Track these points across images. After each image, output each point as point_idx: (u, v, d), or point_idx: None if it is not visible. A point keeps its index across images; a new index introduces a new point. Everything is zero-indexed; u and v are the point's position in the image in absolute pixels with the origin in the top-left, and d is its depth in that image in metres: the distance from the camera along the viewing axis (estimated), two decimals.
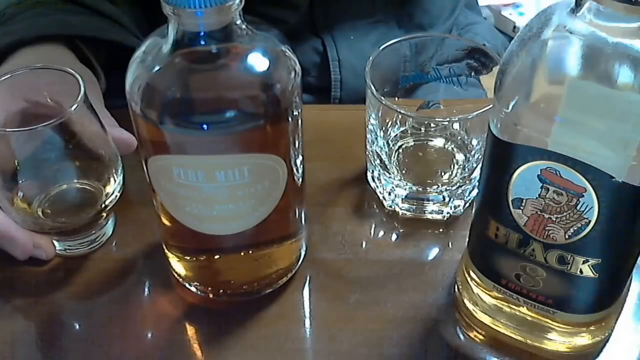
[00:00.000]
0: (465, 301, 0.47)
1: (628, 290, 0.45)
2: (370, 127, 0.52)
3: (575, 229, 0.38)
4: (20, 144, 0.46)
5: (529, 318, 0.44)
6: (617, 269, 0.40)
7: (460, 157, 0.54)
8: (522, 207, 0.39)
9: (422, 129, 0.55)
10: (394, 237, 0.53)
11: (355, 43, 0.73)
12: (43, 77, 0.49)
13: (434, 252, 0.52)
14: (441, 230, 0.53)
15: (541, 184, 0.37)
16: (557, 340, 0.44)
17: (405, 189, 0.53)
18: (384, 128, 0.53)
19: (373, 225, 0.54)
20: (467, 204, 0.54)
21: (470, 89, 0.55)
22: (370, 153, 0.53)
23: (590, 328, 0.43)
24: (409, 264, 0.51)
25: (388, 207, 0.55)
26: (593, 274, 0.39)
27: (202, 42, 0.38)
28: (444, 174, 0.54)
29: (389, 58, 0.53)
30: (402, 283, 0.49)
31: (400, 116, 0.52)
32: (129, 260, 0.51)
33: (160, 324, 0.48)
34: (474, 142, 0.52)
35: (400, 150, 0.55)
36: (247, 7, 0.38)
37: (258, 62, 0.40)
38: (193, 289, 0.49)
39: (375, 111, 0.51)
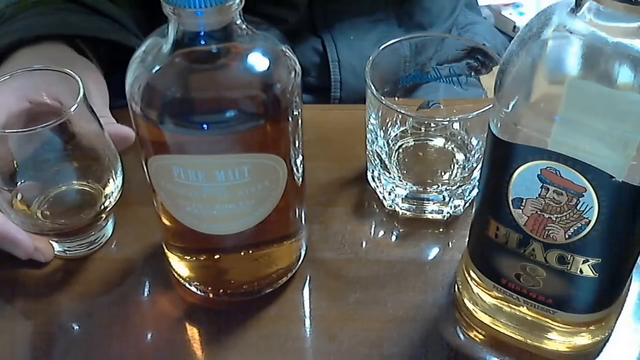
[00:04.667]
0: (465, 301, 0.47)
1: (628, 290, 0.45)
2: (370, 127, 0.52)
3: (575, 228, 0.38)
4: (19, 145, 0.46)
5: (529, 318, 0.44)
6: (617, 269, 0.40)
7: (460, 157, 0.54)
8: (522, 207, 0.39)
9: (422, 128, 0.55)
10: (394, 237, 0.53)
11: (355, 43, 0.73)
12: (45, 77, 0.49)
13: (434, 252, 0.52)
14: (441, 230, 0.53)
15: (541, 184, 0.37)
16: (557, 340, 0.44)
17: (405, 189, 0.53)
18: (384, 128, 0.53)
19: (373, 225, 0.54)
20: (467, 204, 0.54)
21: (470, 88, 0.55)
22: (370, 153, 0.53)
23: (590, 328, 0.43)
24: (409, 264, 0.51)
25: (388, 207, 0.55)
26: (593, 273, 0.39)
27: (202, 42, 0.38)
28: (444, 173, 0.54)
29: (389, 58, 0.53)
30: (402, 283, 0.49)
31: (400, 116, 0.52)
32: (129, 261, 0.51)
33: (160, 324, 0.48)
34: (474, 142, 0.52)
35: (400, 150, 0.55)
36: (247, 7, 0.38)
37: (258, 62, 0.40)
38: (193, 288, 0.49)
39: (375, 111, 0.51)
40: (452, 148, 0.55)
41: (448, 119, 0.55)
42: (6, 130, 0.45)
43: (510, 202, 0.39)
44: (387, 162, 0.53)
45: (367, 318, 0.47)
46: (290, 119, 0.41)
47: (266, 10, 0.67)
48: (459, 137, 0.55)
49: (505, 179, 0.38)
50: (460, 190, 0.52)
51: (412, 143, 0.56)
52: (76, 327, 0.48)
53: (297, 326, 0.48)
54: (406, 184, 0.52)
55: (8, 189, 0.47)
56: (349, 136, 0.59)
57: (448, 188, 0.52)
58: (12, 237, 0.48)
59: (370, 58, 0.51)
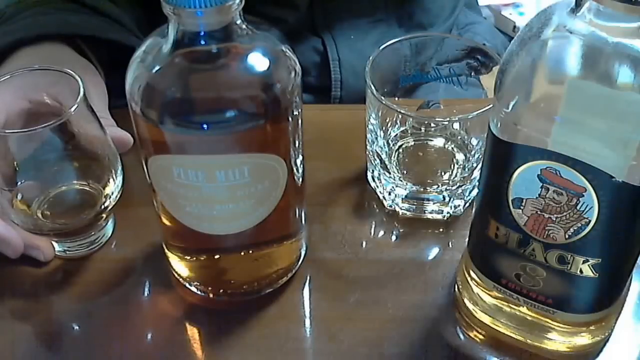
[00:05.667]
0: (465, 301, 0.47)
1: (628, 290, 0.45)
2: (370, 127, 0.52)
3: (575, 228, 0.38)
4: (19, 145, 0.46)
5: (529, 318, 0.44)
6: (617, 269, 0.40)
7: (460, 157, 0.54)
8: (522, 207, 0.39)
9: (422, 128, 0.55)
10: (394, 237, 0.53)
11: (356, 42, 0.73)
12: (45, 77, 0.49)
13: (434, 252, 0.52)
14: (441, 230, 0.53)
15: (541, 184, 0.37)
16: (557, 340, 0.44)
17: (405, 189, 0.53)
18: (384, 128, 0.53)
19: (373, 225, 0.54)
20: (467, 204, 0.54)
21: (470, 88, 0.55)
22: (370, 153, 0.53)
23: (590, 328, 0.43)
24: (409, 264, 0.51)
25: (388, 207, 0.55)
26: (593, 273, 0.39)
27: (202, 42, 0.38)
28: (444, 173, 0.54)
29: (389, 58, 0.53)
30: (402, 283, 0.49)
31: (400, 116, 0.52)
32: (129, 261, 0.51)
33: (160, 324, 0.48)
34: (474, 142, 0.52)
35: (400, 150, 0.55)
36: (247, 7, 0.38)
37: (258, 62, 0.40)
38: (193, 288, 0.49)
39: (376, 111, 0.51)
40: (452, 148, 0.55)
41: (448, 119, 0.55)
42: (6, 130, 0.45)
43: (510, 202, 0.39)
44: (387, 162, 0.53)
45: (367, 318, 0.47)
46: (290, 119, 0.41)
47: (266, 10, 0.67)
48: (459, 137, 0.55)
49: (505, 179, 0.38)
50: (460, 190, 0.52)
51: (412, 143, 0.56)
52: (76, 327, 0.48)
53: (297, 326, 0.48)
54: (406, 184, 0.52)
55: (8, 189, 0.47)
56: (349, 136, 0.59)
57: (448, 188, 0.52)
58: (0, 236, 0.48)
59: (371, 58, 0.51)
